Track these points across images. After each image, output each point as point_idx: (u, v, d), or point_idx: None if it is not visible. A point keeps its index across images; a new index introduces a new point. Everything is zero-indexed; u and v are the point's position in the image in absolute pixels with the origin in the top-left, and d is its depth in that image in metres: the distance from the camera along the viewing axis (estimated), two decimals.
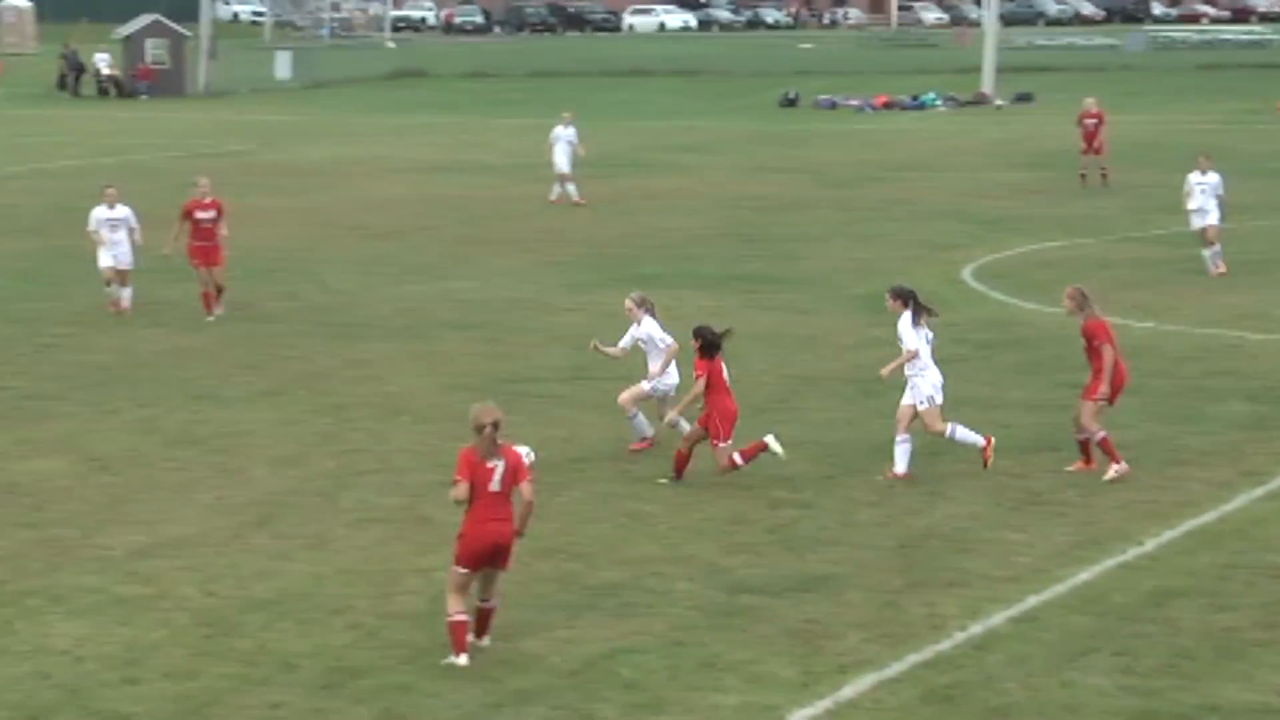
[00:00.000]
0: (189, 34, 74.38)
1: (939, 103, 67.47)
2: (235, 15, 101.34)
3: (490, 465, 13.59)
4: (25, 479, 20.37)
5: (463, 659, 13.45)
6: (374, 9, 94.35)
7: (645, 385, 19.89)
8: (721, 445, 18.89)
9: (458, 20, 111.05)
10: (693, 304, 28.31)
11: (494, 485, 13.43)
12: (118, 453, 21.48)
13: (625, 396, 19.92)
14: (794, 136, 56.29)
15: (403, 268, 34.01)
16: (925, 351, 18.70)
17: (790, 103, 67.88)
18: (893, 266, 32.03)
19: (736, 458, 18.87)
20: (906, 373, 18.71)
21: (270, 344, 25.83)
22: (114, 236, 28.41)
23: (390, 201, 42.73)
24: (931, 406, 18.39)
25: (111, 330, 28.24)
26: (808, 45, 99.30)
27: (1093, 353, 17.97)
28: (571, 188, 39.65)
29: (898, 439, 18.14)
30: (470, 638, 13.55)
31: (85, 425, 22.98)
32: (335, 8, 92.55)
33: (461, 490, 13.52)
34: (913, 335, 18.55)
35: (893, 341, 18.72)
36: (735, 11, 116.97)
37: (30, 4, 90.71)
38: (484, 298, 31.10)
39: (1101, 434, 17.81)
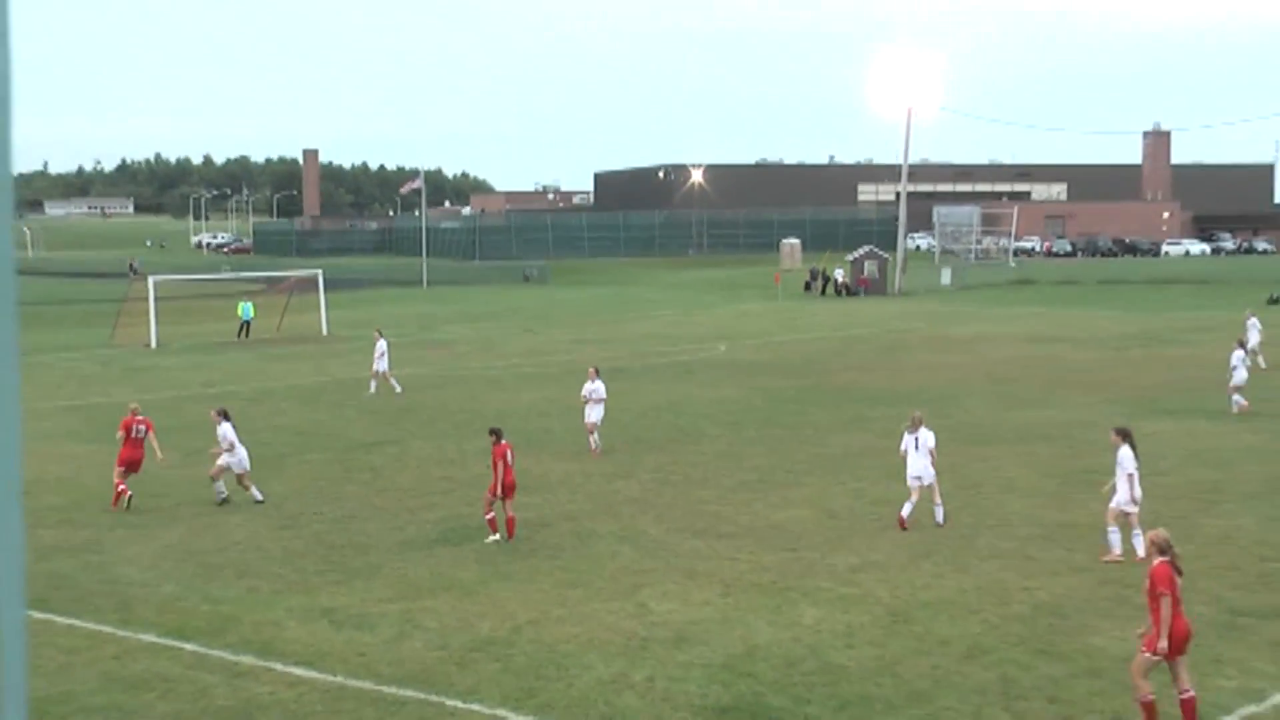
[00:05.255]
0: (889, 257, 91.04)
1: None
2: (917, 246, 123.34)
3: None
4: (786, 521, 21.71)
5: None
6: (1003, 242, 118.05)
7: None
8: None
9: (1054, 249, 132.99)
10: (1189, 426, 30.14)
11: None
12: (841, 507, 22.62)
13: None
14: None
15: (1016, 400, 35.66)
16: None
17: (1275, 301, 73.20)
18: None
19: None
20: None
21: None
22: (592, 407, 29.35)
23: (1008, 360, 46.06)
24: None
25: (843, 433, 30.15)
26: None
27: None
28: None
29: None
30: None
31: (822, 491, 24.11)
32: (978, 241, 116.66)
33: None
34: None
35: None
36: (1236, 243, 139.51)
37: (798, 240, 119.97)
38: (1065, 419, 32.16)
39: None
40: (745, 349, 50.44)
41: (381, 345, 39.88)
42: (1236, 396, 32.59)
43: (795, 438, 29.36)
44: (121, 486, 24.25)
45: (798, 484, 24.16)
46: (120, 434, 24.65)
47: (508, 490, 20.81)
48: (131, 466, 24.64)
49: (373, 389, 39.30)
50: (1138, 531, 18.44)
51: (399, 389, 38.72)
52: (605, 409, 29.11)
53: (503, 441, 20.95)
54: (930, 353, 47.74)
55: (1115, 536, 18.62)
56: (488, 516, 20.72)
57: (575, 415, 30.37)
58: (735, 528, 20.94)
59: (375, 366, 39.61)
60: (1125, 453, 18.71)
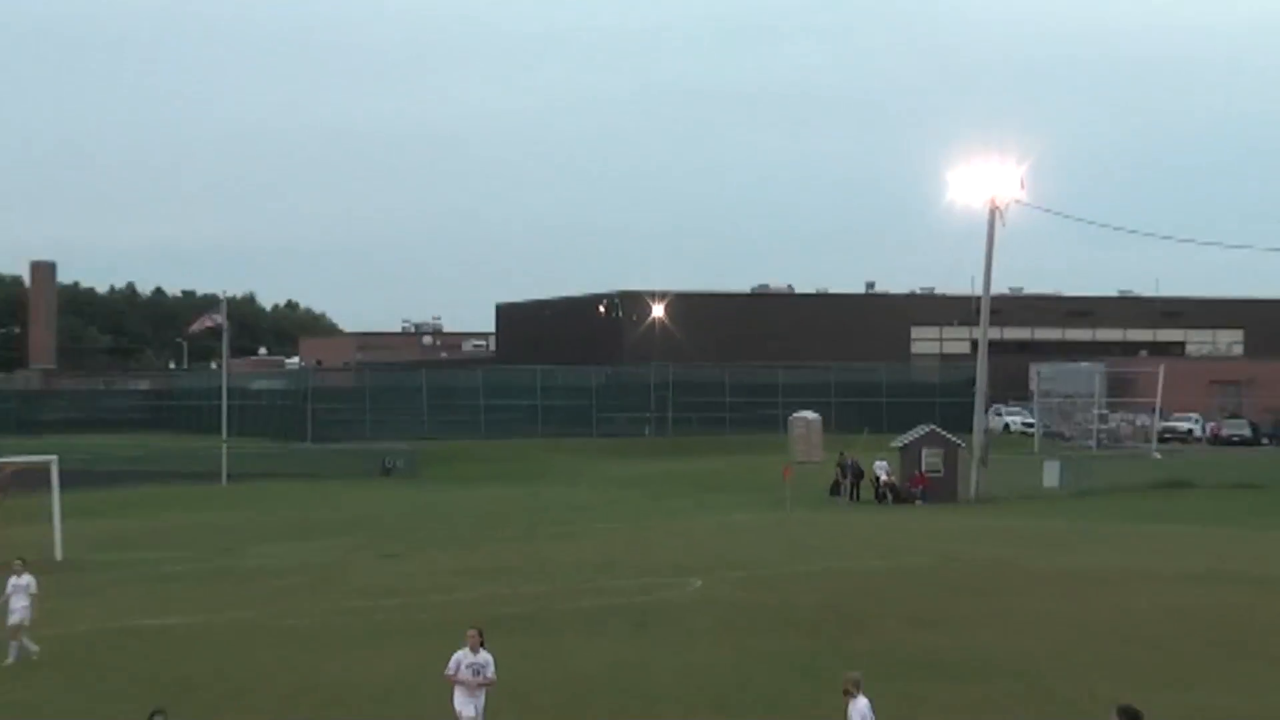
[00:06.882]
0: (962, 443, 61.58)
1: None
2: (1006, 426, 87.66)
3: None
4: None
5: None
6: (1141, 420, 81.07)
7: None
8: None
9: (1225, 433, 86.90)
10: None
11: None
12: None
13: None
14: None
15: (1170, 678, 24.32)
16: None
17: None
18: None
19: None
20: None
21: None
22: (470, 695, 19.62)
23: (1153, 610, 31.54)
24: None
25: None
26: None
27: None
28: None
29: None
30: None
31: None
32: (1103, 419, 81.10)
33: None
34: None
35: None
36: None
37: (818, 416, 79.01)
38: (1251, 711, 22.10)
39: None
40: (732, 587, 35.06)
41: (25, 582, 25.36)
42: None
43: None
44: None
45: None
46: None
47: None
48: None
49: (12, 657, 25.00)
50: None
51: (34, 649, 25.31)
52: (487, 695, 18.61)
53: None
54: (1026, 597, 32.97)
55: None
56: None
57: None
58: None
59: (11, 619, 25.24)
60: None
